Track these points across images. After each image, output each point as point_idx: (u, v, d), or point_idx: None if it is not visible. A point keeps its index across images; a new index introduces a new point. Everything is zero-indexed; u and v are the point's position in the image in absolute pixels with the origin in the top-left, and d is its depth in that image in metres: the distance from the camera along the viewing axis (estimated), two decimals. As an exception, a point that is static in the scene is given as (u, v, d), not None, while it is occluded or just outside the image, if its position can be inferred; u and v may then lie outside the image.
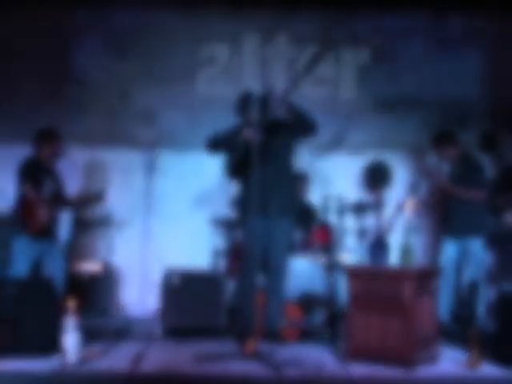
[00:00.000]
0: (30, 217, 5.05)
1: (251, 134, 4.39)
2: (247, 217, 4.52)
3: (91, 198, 5.57)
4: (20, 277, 4.90)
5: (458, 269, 5.40)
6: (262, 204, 4.36)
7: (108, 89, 6.35)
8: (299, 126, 4.51)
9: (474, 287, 5.28)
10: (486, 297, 5.29)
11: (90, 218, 6.20)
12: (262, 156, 4.36)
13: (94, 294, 5.80)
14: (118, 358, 4.04)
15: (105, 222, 6.21)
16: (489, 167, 6.06)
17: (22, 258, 5.03)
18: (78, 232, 6.14)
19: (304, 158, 5.74)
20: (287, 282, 4.72)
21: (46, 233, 5.13)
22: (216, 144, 4.71)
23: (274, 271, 4.62)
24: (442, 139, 5.50)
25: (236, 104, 4.72)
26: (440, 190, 5.45)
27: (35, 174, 5.16)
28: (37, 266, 5.09)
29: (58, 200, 5.28)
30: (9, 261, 5.08)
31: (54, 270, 5.12)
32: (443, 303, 5.20)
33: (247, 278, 4.56)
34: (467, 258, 5.36)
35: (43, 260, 5.13)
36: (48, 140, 5.27)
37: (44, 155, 5.26)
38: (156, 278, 5.29)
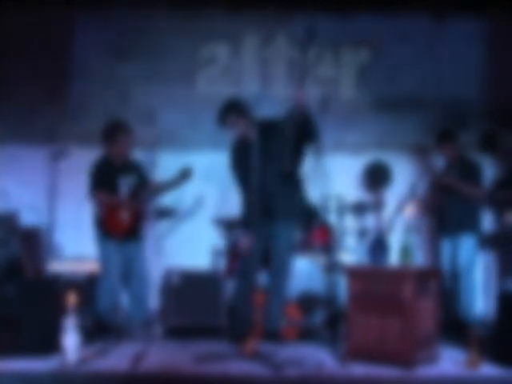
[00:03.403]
0: (112, 222, 4.89)
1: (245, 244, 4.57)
2: (248, 217, 4.53)
3: (179, 177, 5.15)
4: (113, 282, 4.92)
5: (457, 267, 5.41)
6: (264, 205, 4.39)
7: (108, 89, 6.34)
8: (303, 129, 4.44)
9: (455, 277, 5.32)
10: (470, 288, 5.31)
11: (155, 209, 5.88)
12: (264, 158, 4.39)
13: (92, 293, 5.78)
14: (117, 358, 4.04)
15: (169, 213, 5.93)
16: (491, 167, 6.07)
17: (110, 263, 4.94)
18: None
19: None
20: (289, 283, 4.72)
21: (131, 234, 5.00)
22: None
23: (276, 271, 4.62)
24: (442, 137, 5.60)
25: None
26: (441, 186, 5.52)
27: (107, 176, 4.91)
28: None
29: (142, 192, 4.99)
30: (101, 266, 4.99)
31: (136, 271, 5.07)
32: (464, 302, 5.24)
33: (245, 278, 4.56)
34: (459, 254, 5.38)
35: (130, 262, 5.04)
36: (116, 135, 4.96)
37: (115, 152, 4.95)
38: (156, 277, 5.29)
